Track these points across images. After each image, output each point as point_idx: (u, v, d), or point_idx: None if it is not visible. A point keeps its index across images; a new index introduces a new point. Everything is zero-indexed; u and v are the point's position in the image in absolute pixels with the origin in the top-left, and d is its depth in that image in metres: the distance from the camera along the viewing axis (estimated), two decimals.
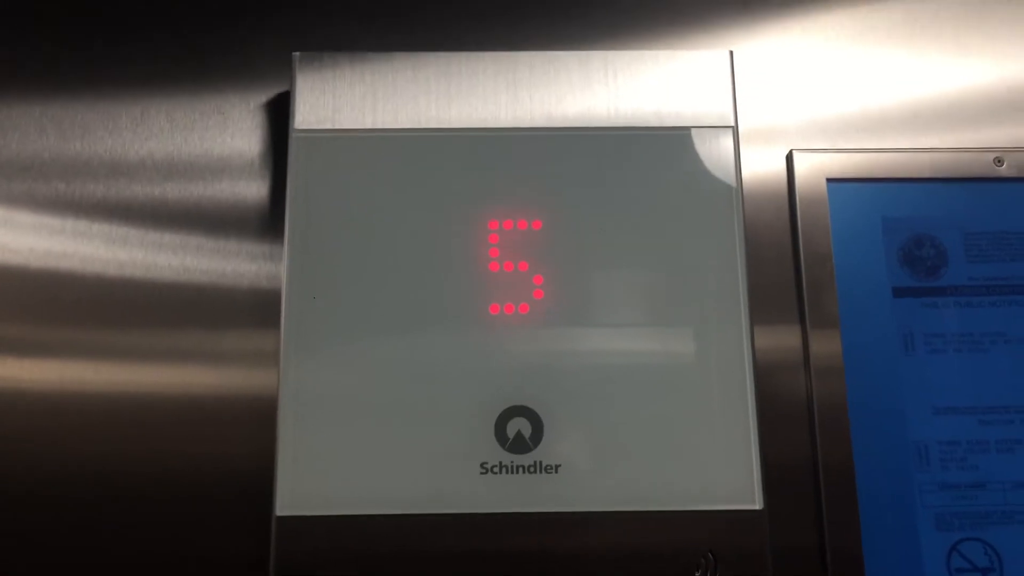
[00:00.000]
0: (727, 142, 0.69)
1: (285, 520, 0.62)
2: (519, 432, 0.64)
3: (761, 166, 0.73)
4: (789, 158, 0.72)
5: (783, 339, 0.70)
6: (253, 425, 0.67)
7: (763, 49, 0.76)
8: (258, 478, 0.64)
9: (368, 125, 0.68)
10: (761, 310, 0.68)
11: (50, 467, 0.67)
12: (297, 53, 0.69)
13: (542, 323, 0.65)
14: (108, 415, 0.68)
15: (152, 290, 0.70)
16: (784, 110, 0.75)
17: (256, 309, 0.69)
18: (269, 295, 0.69)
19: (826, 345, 0.69)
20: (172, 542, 0.66)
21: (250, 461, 0.66)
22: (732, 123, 0.69)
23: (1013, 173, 0.72)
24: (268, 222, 0.71)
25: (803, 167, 0.72)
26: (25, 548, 0.66)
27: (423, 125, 0.68)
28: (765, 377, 0.67)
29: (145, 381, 0.68)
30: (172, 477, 0.67)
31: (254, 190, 0.72)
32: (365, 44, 0.74)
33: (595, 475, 0.63)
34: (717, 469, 0.63)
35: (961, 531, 0.66)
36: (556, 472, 0.63)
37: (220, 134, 0.73)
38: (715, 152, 0.68)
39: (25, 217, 0.71)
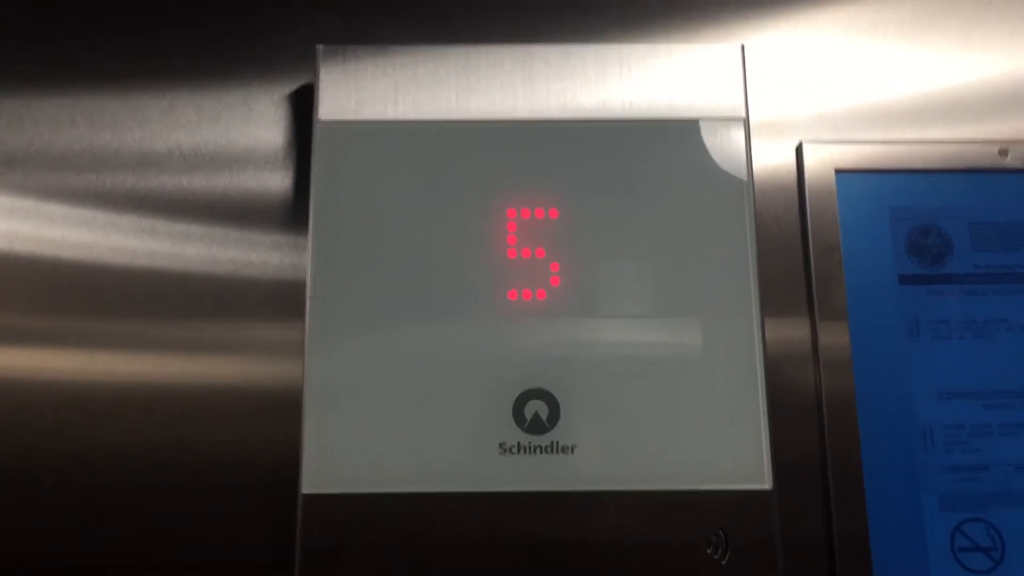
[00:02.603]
0: (738, 134, 0.70)
1: (311, 498, 0.64)
2: (536, 414, 0.65)
3: (771, 157, 0.75)
4: (799, 150, 0.74)
5: (792, 328, 0.71)
6: (278, 413, 0.68)
7: (774, 42, 0.78)
8: (283, 465, 0.66)
9: (390, 116, 0.70)
10: (769, 296, 0.70)
11: (76, 455, 0.68)
12: (321, 46, 0.71)
13: (559, 309, 0.67)
14: (136, 404, 0.69)
15: (179, 280, 0.72)
16: (794, 103, 0.76)
17: (281, 296, 0.71)
18: (294, 282, 0.70)
19: (834, 331, 0.70)
20: (196, 529, 0.67)
21: (275, 449, 0.67)
22: (743, 115, 0.71)
23: (1017, 164, 0.73)
24: (292, 211, 0.73)
25: (812, 158, 0.73)
26: (51, 534, 0.67)
27: (443, 116, 0.70)
28: (774, 364, 0.69)
29: (171, 371, 0.70)
30: (198, 465, 0.68)
31: (279, 179, 0.74)
32: (386, 37, 0.76)
33: (610, 455, 0.65)
34: (728, 450, 0.65)
35: (965, 512, 0.68)
36: (572, 452, 0.65)
37: (245, 125, 0.75)
38: (726, 144, 0.70)
39: (56, 208, 0.73)
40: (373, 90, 0.70)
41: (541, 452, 0.65)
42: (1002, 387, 0.70)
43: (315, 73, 0.71)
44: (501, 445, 0.65)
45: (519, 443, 0.65)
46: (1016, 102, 0.76)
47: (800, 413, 0.70)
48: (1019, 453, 0.69)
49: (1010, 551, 0.68)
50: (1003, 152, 0.74)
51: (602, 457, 0.65)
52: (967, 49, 0.78)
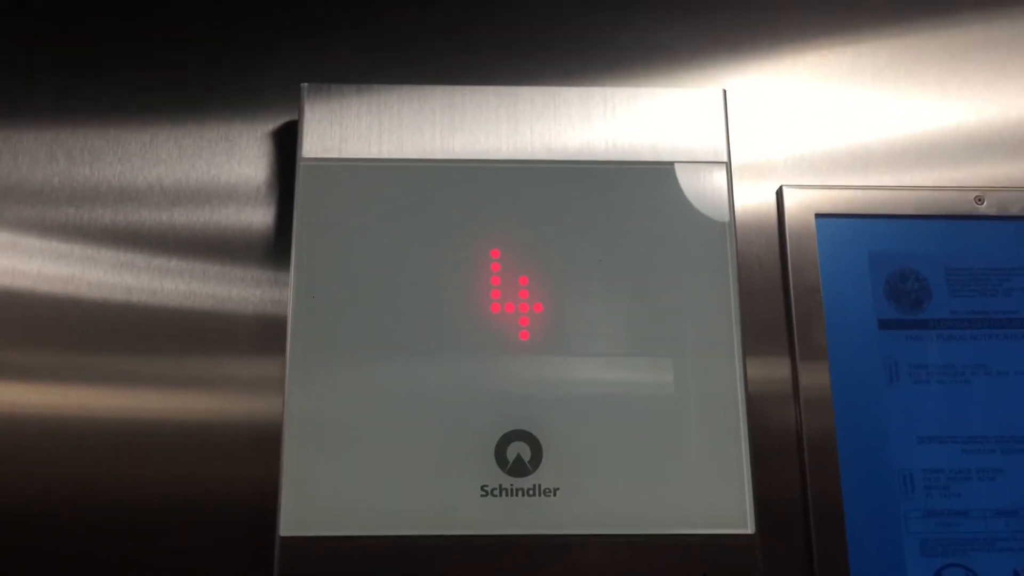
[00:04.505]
0: (720, 177, 0.71)
1: (289, 541, 0.62)
2: (519, 456, 0.65)
3: (752, 201, 0.75)
4: (779, 194, 0.75)
5: (772, 370, 0.71)
6: (256, 452, 0.67)
7: (754, 88, 0.79)
8: (261, 503, 0.65)
9: (374, 155, 0.70)
10: (750, 339, 0.70)
11: (53, 491, 0.67)
12: (305, 84, 0.71)
13: (542, 350, 0.67)
14: (112, 439, 0.68)
15: (158, 315, 0.71)
16: (774, 146, 0.77)
17: (261, 333, 0.70)
18: (274, 318, 0.70)
19: (815, 376, 0.70)
20: (174, 566, 0.66)
21: (253, 486, 0.67)
22: (725, 159, 0.71)
23: (993, 212, 0.75)
24: (273, 247, 0.72)
25: (793, 202, 0.74)
26: (27, 570, 0.66)
27: (427, 156, 0.70)
28: (756, 404, 0.69)
29: (149, 406, 0.69)
30: (175, 502, 0.67)
31: (260, 216, 0.73)
32: (371, 77, 0.76)
33: (593, 499, 0.64)
34: (711, 494, 0.65)
35: (945, 557, 0.68)
36: (555, 495, 0.64)
37: (227, 161, 0.74)
38: (709, 187, 0.71)
39: (34, 241, 0.72)
40: (357, 128, 0.70)
41: (524, 495, 0.64)
42: (980, 432, 0.70)
43: (299, 111, 0.71)
44: (483, 487, 0.64)
45: (501, 485, 0.64)
46: (991, 150, 0.78)
47: (782, 454, 0.70)
48: (997, 498, 0.69)
49: None
50: (979, 199, 0.75)
51: (585, 500, 0.64)
52: (943, 97, 0.79)
